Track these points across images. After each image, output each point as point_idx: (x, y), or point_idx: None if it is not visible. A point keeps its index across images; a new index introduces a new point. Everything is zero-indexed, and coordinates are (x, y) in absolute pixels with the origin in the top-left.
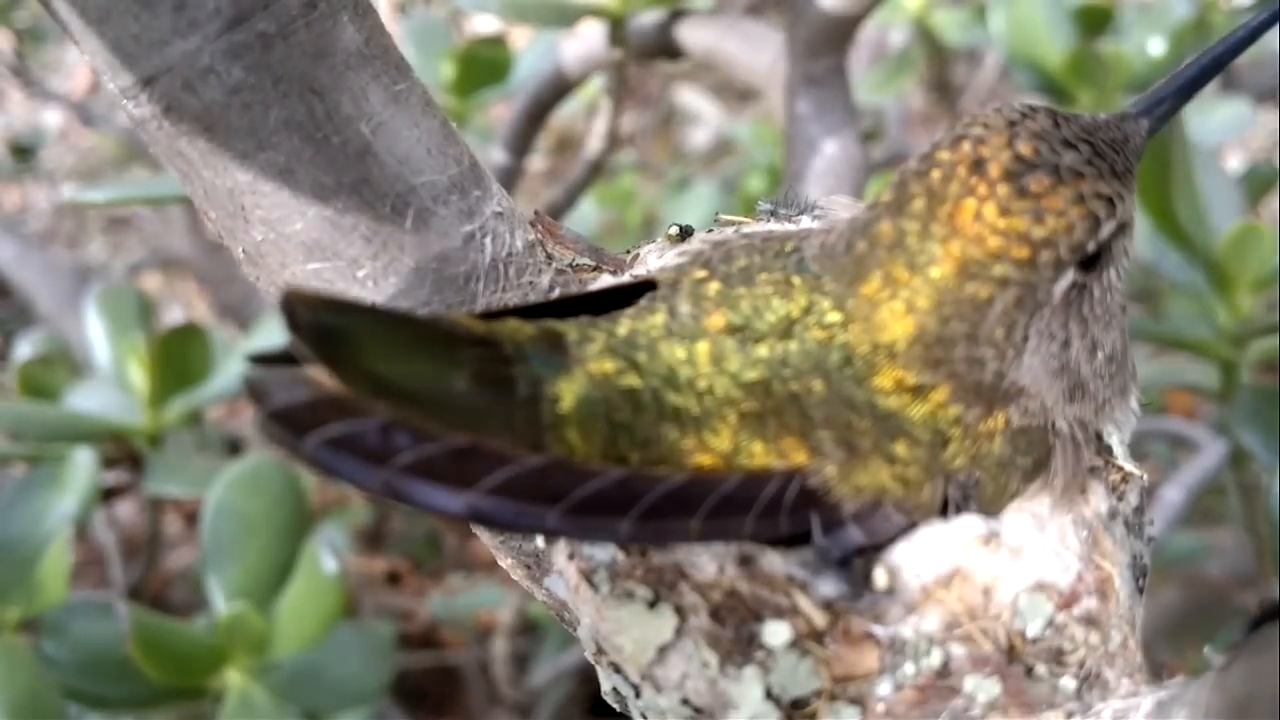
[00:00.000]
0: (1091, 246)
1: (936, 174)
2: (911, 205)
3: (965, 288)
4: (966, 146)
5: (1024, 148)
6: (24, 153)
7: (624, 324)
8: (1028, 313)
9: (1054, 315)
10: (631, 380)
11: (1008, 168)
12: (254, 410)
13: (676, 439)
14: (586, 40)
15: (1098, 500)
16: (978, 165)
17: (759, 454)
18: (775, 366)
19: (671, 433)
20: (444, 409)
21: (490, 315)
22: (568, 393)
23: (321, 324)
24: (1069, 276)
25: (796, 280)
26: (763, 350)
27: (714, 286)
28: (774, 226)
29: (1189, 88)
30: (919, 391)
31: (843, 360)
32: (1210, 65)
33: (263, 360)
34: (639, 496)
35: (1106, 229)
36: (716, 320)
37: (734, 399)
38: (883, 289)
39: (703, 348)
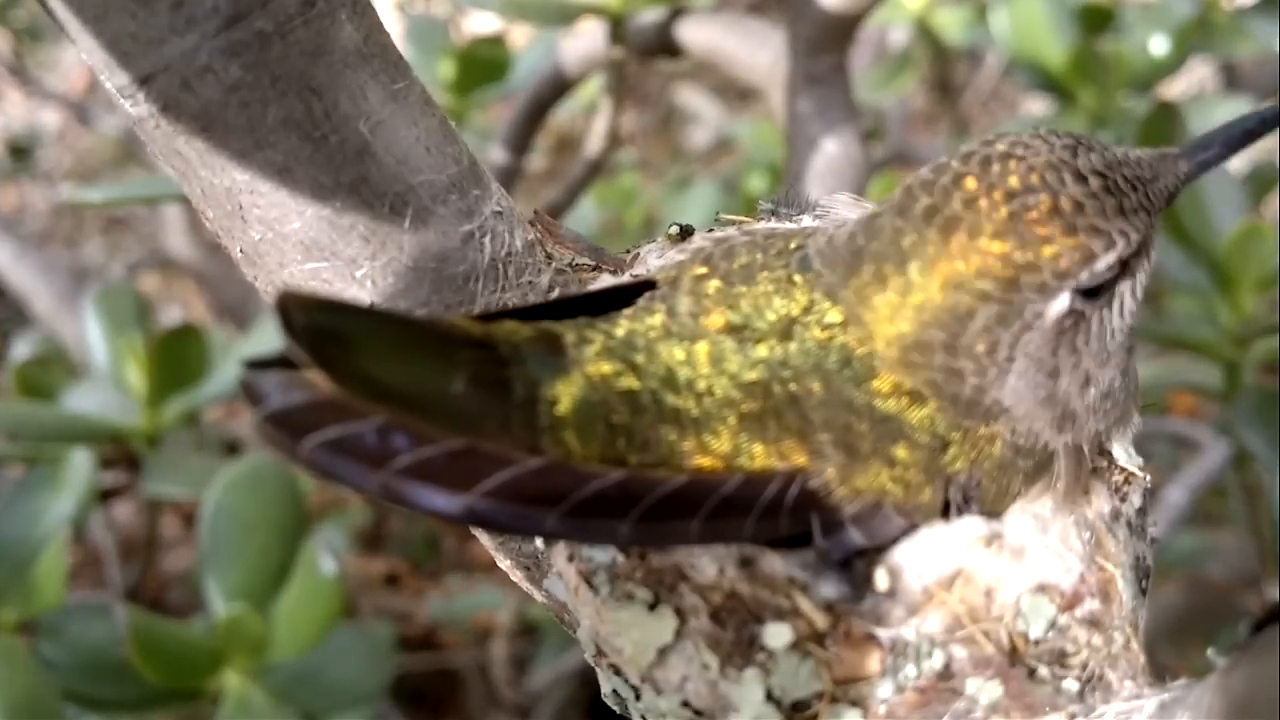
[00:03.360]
0: (1085, 277)
1: (945, 183)
2: (913, 210)
3: (947, 297)
4: (976, 163)
5: (1033, 174)
6: (21, 153)
7: (622, 325)
8: (1012, 332)
9: (1044, 341)
10: (630, 382)
11: (1011, 190)
12: (251, 413)
13: (676, 441)
14: (586, 39)
15: (1100, 501)
16: (985, 183)
17: (759, 455)
18: (775, 367)
19: (671, 434)
20: (440, 411)
21: (487, 317)
22: (565, 395)
23: (317, 326)
24: (1062, 303)
25: (798, 279)
26: (762, 350)
27: (714, 284)
28: (776, 225)
29: (1241, 139)
30: (917, 395)
31: (842, 362)
32: (1271, 119)
33: (259, 365)
34: (638, 498)
35: (1102, 263)
36: (716, 319)
37: (734, 400)
38: (872, 286)
39: (702, 348)
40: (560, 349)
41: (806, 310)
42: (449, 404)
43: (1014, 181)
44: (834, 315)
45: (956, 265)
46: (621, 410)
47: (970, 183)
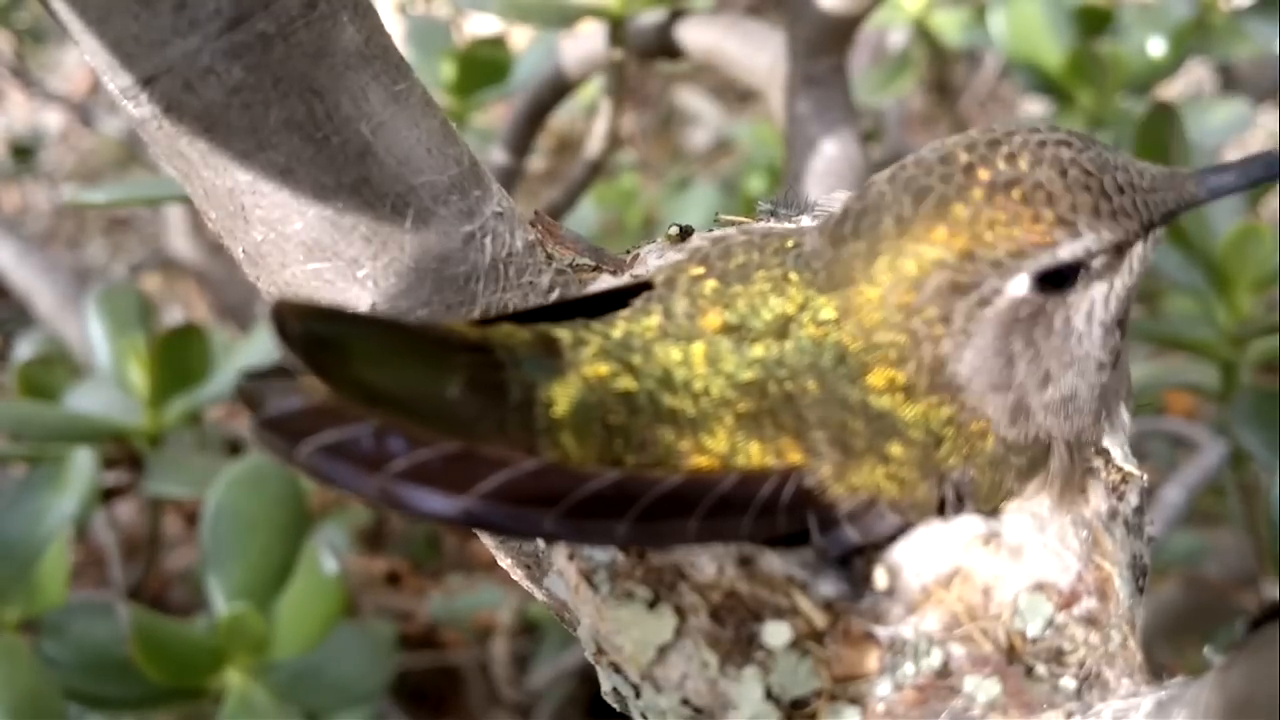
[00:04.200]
0: (1045, 261)
1: (932, 159)
2: (900, 178)
3: (907, 259)
4: (963, 145)
5: (1019, 161)
6: (24, 153)
7: (619, 326)
8: (967, 303)
9: (999, 321)
10: (626, 383)
11: (994, 172)
12: (248, 418)
13: (673, 441)
14: (586, 40)
15: (1098, 500)
16: (966, 163)
17: (755, 454)
18: (771, 367)
19: (668, 435)
20: (436, 416)
21: (485, 321)
22: (562, 397)
23: (312, 334)
24: (1019, 285)
25: (794, 276)
26: (759, 350)
27: (710, 284)
28: (774, 225)
29: (1262, 173)
30: (911, 391)
31: (836, 360)
32: None
33: (258, 375)
34: (635, 498)
35: (1065, 252)
36: (712, 320)
37: (730, 400)
38: (851, 242)
39: (698, 348)
40: (557, 351)
41: (801, 308)
42: (445, 408)
43: (1001, 164)
44: (828, 313)
45: (918, 230)
46: (619, 411)
47: (956, 159)
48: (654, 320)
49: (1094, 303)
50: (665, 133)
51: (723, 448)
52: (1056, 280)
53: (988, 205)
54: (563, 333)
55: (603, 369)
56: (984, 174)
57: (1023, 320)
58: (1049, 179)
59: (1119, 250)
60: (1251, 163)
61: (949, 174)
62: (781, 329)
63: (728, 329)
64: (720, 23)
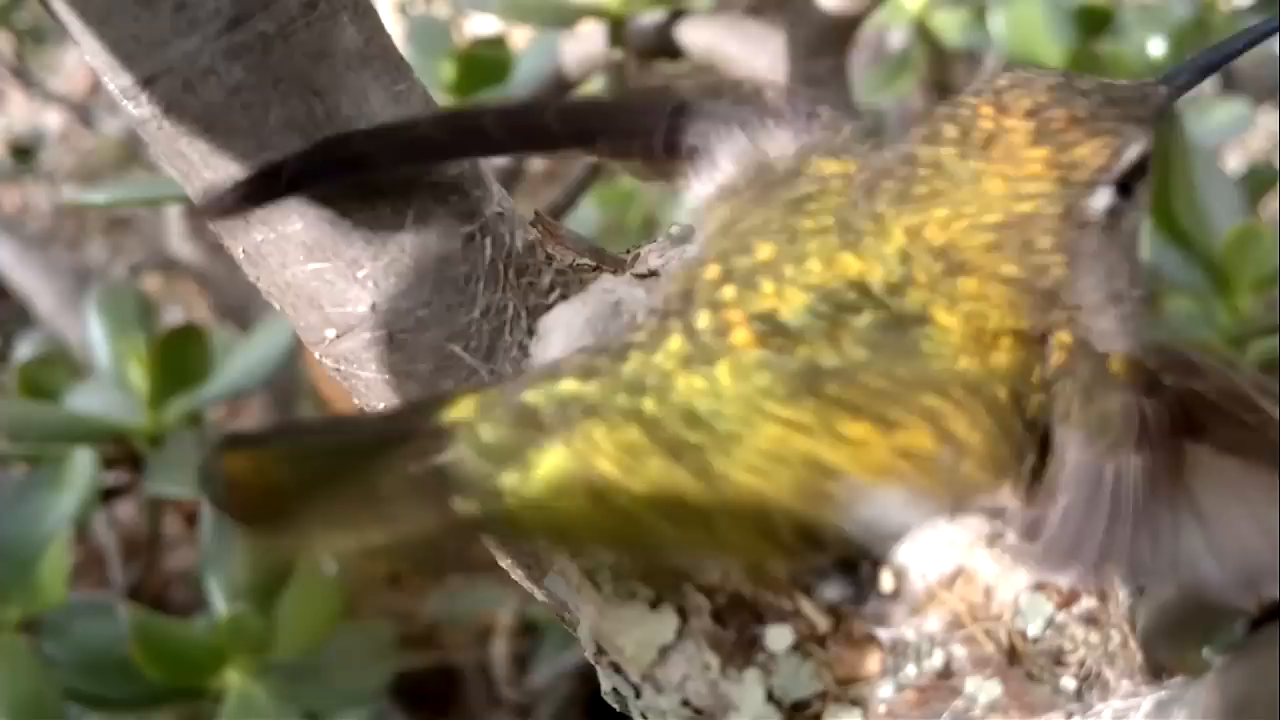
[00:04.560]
0: (1122, 166)
1: (965, 114)
2: (945, 135)
3: (1007, 201)
4: (989, 95)
5: (1042, 96)
6: (24, 154)
7: (633, 359)
8: (1072, 228)
9: (1094, 236)
10: (632, 436)
11: (1028, 109)
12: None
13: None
14: (586, 40)
15: None
16: (1001, 107)
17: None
18: (820, 371)
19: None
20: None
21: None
22: (536, 479)
23: (244, 498)
24: (1104, 197)
25: (845, 255)
26: (804, 352)
27: (729, 291)
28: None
29: (1208, 67)
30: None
31: (911, 342)
32: (1230, 52)
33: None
34: None
35: (1133, 152)
36: (742, 334)
37: (774, 415)
38: (927, 201)
39: (725, 368)
40: (537, 424)
41: (857, 290)
42: (370, 541)
43: (1027, 104)
44: (882, 287)
45: (1009, 171)
46: (618, 469)
47: (987, 109)
48: (674, 344)
49: (1138, 201)
50: None
51: (753, 475)
52: (1124, 187)
53: (1047, 139)
54: (540, 399)
55: (598, 432)
56: (1018, 117)
57: (1108, 229)
58: (1080, 103)
59: (1150, 149)
60: (1196, 62)
61: (995, 119)
62: (830, 327)
63: (762, 339)
64: (720, 23)
